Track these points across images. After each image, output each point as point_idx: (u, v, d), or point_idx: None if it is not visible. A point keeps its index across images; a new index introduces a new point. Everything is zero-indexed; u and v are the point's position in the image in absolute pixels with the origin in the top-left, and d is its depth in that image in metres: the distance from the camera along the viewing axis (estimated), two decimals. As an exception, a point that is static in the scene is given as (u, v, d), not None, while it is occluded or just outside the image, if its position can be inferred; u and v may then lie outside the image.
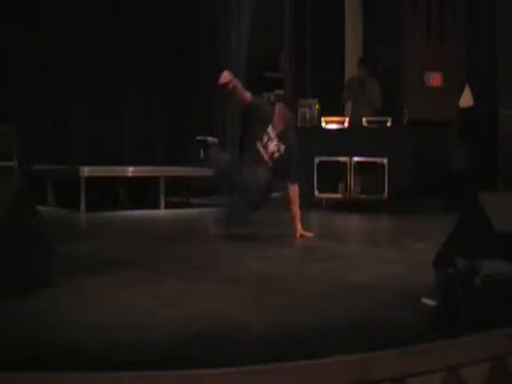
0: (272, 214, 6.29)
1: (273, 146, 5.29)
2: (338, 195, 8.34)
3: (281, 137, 5.31)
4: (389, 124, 8.28)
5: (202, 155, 8.99)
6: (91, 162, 8.01)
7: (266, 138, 5.30)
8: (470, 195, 3.35)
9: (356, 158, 8.20)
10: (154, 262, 4.27)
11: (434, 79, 9.20)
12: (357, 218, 7.72)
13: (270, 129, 5.31)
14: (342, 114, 9.14)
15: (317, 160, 8.43)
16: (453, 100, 8.74)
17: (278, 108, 5.44)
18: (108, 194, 8.55)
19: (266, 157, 5.28)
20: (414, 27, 9.29)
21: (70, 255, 4.26)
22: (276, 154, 5.30)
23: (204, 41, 10.16)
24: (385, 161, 8.03)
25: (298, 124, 9.14)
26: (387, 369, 2.18)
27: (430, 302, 2.78)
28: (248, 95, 5.36)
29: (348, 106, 9.21)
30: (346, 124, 8.58)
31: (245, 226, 5.23)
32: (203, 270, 3.93)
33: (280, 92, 10.80)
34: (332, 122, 8.62)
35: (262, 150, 5.28)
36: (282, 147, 5.31)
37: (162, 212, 7.99)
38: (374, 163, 8.08)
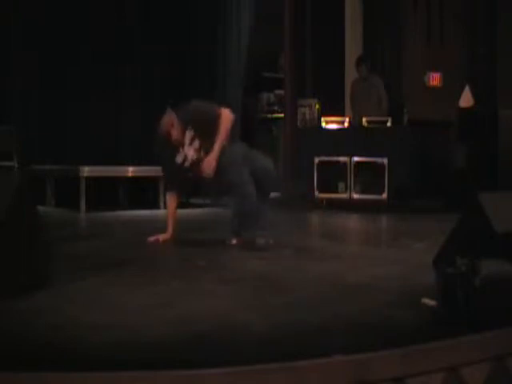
0: (271, 214, 6.28)
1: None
2: (338, 195, 8.34)
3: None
4: (389, 124, 8.28)
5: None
6: (91, 162, 8.01)
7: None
8: (470, 195, 3.35)
9: (356, 158, 8.20)
10: (153, 261, 4.27)
11: (434, 79, 9.21)
12: (357, 218, 7.72)
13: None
14: (342, 114, 9.14)
15: (317, 160, 8.43)
16: (453, 100, 8.74)
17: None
18: (108, 194, 8.55)
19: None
20: (414, 27, 9.30)
21: (70, 255, 4.26)
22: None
23: (204, 41, 10.15)
24: (385, 161, 8.02)
25: (298, 124, 9.16)
26: (387, 369, 2.18)
27: (430, 302, 2.78)
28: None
29: (355, 108, 9.18)
30: (346, 124, 8.58)
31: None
32: (203, 270, 3.93)
33: (280, 92, 10.80)
34: (332, 122, 8.62)
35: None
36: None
37: (162, 212, 7.98)
38: (374, 163, 8.08)
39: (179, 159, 4.91)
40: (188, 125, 4.87)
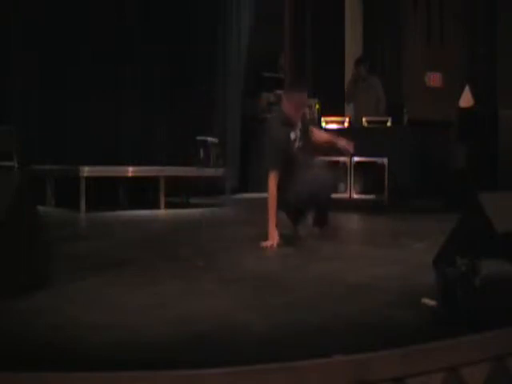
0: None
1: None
2: (338, 195, 8.32)
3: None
4: (389, 124, 8.28)
5: (201, 155, 8.99)
6: (91, 162, 8.00)
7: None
8: (470, 195, 3.36)
9: (356, 158, 8.20)
10: (154, 262, 4.27)
11: (434, 79, 9.20)
12: (357, 218, 7.71)
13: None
14: (342, 114, 9.14)
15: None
16: (453, 100, 8.74)
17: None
18: (108, 193, 8.55)
19: None
20: (414, 27, 9.30)
21: (70, 255, 4.26)
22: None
23: (204, 41, 10.16)
24: (385, 161, 8.02)
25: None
26: (387, 369, 2.18)
27: (430, 302, 2.78)
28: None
29: (351, 107, 9.19)
30: (346, 124, 8.57)
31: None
32: (203, 270, 3.93)
33: (280, 92, 10.80)
34: (332, 122, 8.62)
35: None
36: None
37: (161, 212, 7.99)
38: (374, 163, 8.08)
39: (293, 136, 5.21)
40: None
